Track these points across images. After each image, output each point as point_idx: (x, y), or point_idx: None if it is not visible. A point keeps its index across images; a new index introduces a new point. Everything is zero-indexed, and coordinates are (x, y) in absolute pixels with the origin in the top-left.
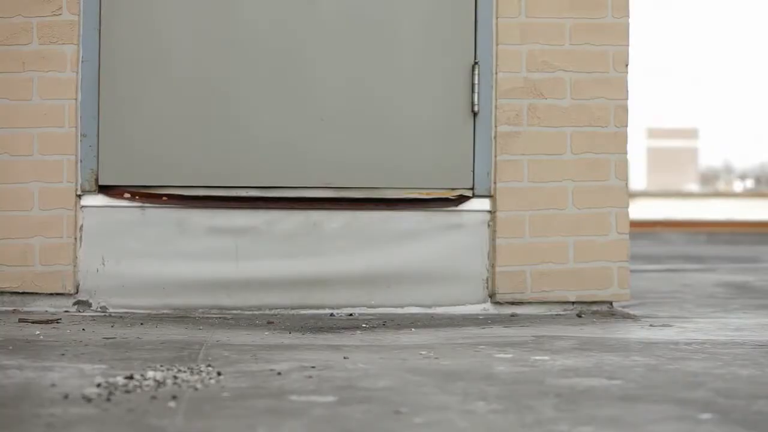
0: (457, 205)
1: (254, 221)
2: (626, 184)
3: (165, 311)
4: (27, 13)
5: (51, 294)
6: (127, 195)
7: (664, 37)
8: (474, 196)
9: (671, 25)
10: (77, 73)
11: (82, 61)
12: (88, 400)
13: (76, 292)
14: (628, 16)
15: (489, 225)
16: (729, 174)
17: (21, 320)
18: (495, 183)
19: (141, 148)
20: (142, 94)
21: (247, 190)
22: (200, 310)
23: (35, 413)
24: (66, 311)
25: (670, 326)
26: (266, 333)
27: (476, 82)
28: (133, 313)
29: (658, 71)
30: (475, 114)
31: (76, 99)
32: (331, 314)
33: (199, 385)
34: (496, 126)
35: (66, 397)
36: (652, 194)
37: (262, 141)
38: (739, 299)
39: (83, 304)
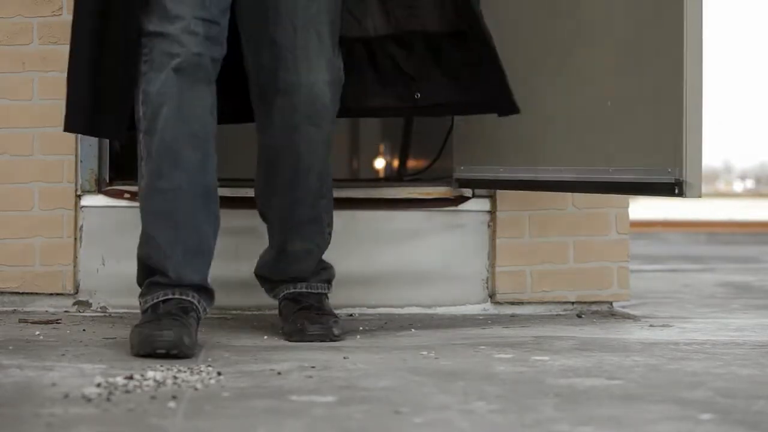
0: (456, 205)
1: (254, 221)
2: None
3: None
4: (27, 13)
5: (51, 294)
6: (127, 195)
7: None
8: (474, 196)
9: None
10: None
11: None
12: (88, 399)
13: (76, 292)
14: None
15: (489, 225)
16: (729, 174)
17: (21, 320)
18: None
19: None
20: None
21: (246, 189)
22: None
23: (35, 413)
24: (66, 311)
25: (670, 326)
26: (266, 333)
27: None
28: (133, 314)
29: None
30: None
31: None
32: None
33: (199, 385)
34: None
35: (66, 396)
36: None
37: None
38: (740, 299)
39: (83, 304)
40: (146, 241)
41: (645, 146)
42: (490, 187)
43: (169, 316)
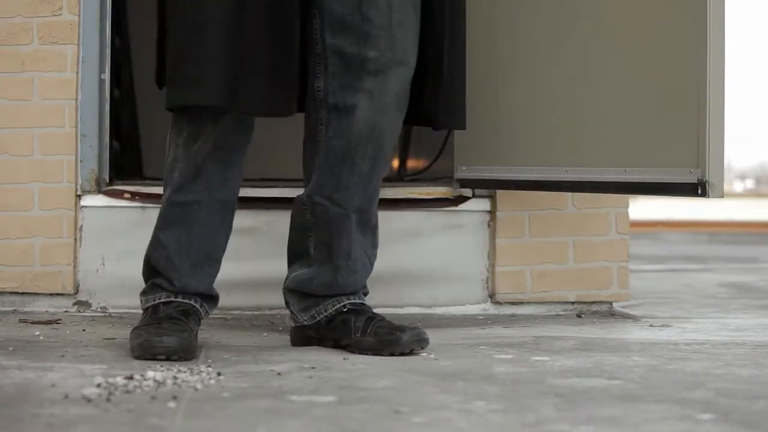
0: (456, 205)
1: (255, 221)
2: None
3: None
4: (27, 13)
5: (51, 294)
6: (127, 195)
7: None
8: (474, 196)
9: None
10: (77, 73)
11: (82, 61)
12: (88, 400)
13: (76, 293)
14: None
15: (489, 225)
16: (729, 174)
17: (21, 320)
18: None
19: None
20: None
21: (246, 189)
22: None
23: (35, 413)
24: (66, 311)
25: (670, 326)
26: (266, 334)
27: None
28: (133, 314)
29: None
30: None
31: (76, 99)
32: None
33: (199, 386)
34: None
35: (66, 397)
36: None
37: None
38: (740, 299)
39: (83, 304)
40: (156, 247)
41: (665, 147)
42: (493, 187)
43: (169, 319)
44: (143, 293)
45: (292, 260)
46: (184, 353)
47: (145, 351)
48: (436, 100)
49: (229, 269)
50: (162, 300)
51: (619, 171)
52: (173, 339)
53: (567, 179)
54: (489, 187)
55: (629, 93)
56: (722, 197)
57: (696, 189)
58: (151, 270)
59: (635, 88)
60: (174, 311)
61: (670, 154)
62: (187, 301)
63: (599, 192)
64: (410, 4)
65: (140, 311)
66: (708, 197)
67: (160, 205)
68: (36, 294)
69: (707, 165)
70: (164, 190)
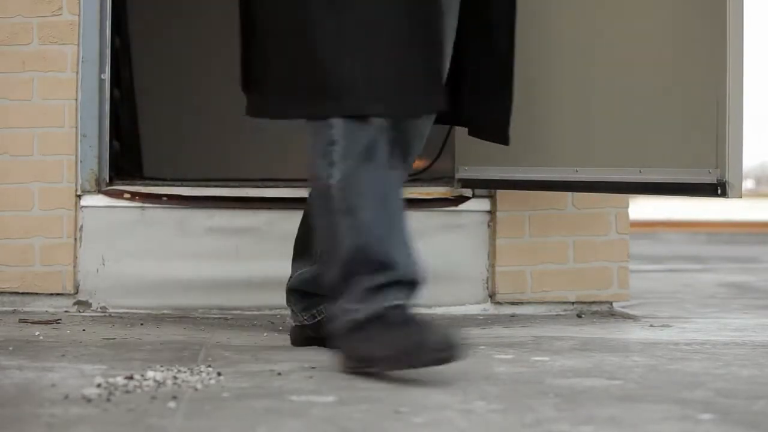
0: (456, 205)
1: (255, 221)
2: None
3: (165, 311)
4: (27, 13)
5: (51, 294)
6: (127, 195)
7: None
8: (474, 196)
9: None
10: (77, 73)
11: (82, 61)
12: (88, 400)
13: (76, 293)
14: None
15: (489, 225)
16: None
17: (21, 320)
18: None
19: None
20: None
21: (246, 189)
22: (200, 310)
23: (35, 413)
24: (66, 311)
25: (670, 326)
26: (266, 333)
27: None
28: (133, 314)
29: None
30: None
31: (76, 99)
32: None
33: (199, 386)
34: None
35: (66, 397)
36: None
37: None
38: (740, 299)
39: (83, 304)
40: (358, 228)
41: (682, 147)
42: (497, 187)
43: (415, 323)
44: (353, 300)
45: (296, 259)
46: (458, 347)
47: (415, 356)
48: (496, 110)
49: (229, 269)
50: (393, 303)
51: (633, 171)
52: (440, 337)
53: (577, 179)
54: (492, 187)
55: (645, 92)
56: (741, 197)
57: (715, 189)
58: (355, 266)
59: (652, 88)
60: (409, 316)
61: (688, 155)
62: (410, 303)
63: (613, 192)
64: (453, 10)
65: (140, 311)
66: (727, 197)
67: (331, 190)
68: (36, 294)
69: (727, 165)
70: (323, 177)
